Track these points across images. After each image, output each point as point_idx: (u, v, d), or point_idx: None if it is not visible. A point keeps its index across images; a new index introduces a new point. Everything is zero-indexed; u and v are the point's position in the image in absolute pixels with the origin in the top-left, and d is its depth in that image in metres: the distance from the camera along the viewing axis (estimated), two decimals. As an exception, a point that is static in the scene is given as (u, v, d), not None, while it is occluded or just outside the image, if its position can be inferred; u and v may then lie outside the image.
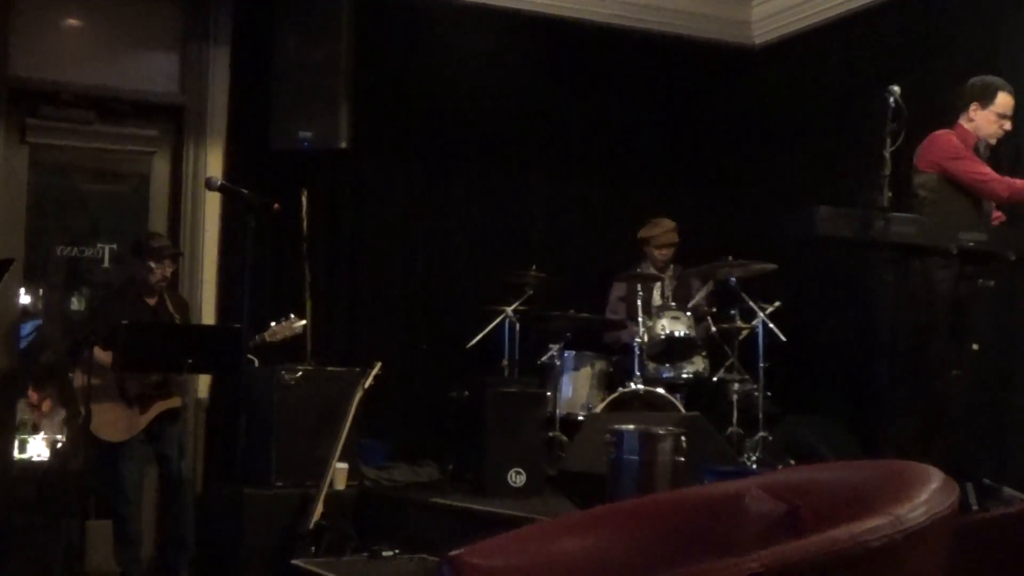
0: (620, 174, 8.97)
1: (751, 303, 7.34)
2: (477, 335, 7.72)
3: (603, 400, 7.45)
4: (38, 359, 8.41)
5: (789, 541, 1.92)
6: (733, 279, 7.40)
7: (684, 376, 7.57)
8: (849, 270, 7.56)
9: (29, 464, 7.87)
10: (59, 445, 8.01)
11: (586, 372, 7.83)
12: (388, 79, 8.36)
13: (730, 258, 7.33)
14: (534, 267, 7.83)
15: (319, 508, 6.50)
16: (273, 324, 6.83)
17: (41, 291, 8.33)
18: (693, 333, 7.49)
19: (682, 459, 5.04)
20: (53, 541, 6.98)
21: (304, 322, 6.98)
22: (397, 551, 5.99)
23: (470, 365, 7.72)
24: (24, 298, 7.99)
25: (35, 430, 8.13)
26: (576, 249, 8.80)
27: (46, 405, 8.30)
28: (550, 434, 7.35)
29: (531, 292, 7.84)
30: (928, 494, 2.24)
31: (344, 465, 6.87)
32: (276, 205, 5.90)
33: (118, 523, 6.76)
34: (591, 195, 8.98)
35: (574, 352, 7.87)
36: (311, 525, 6.42)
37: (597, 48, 8.76)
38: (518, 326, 7.77)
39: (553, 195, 8.93)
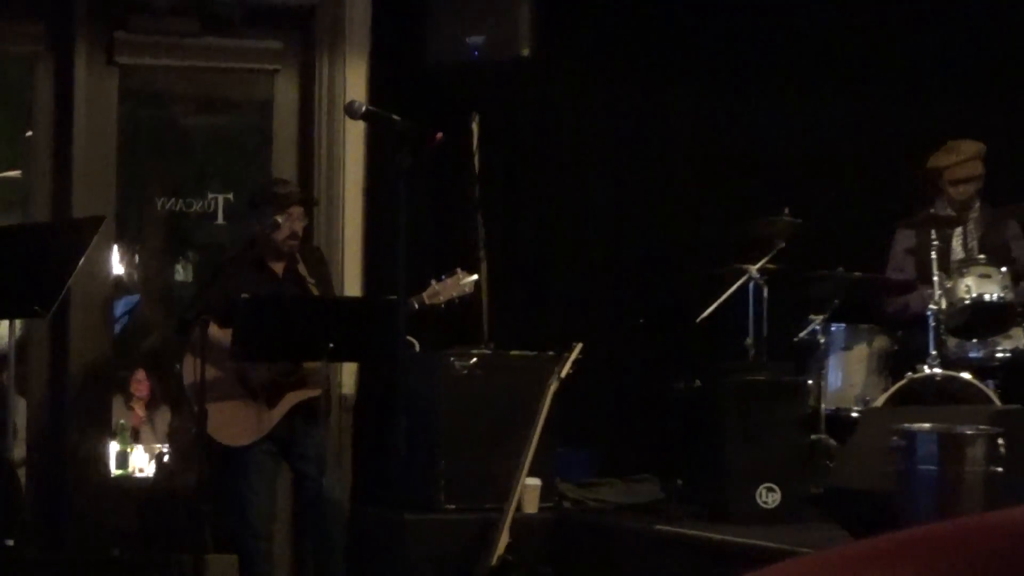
0: (903, 82, 8.76)
1: (1093, 253, 7.16)
2: (710, 305, 7.68)
3: (885, 390, 7.37)
4: (138, 346, 8.69)
5: None
6: (1065, 220, 7.23)
7: (999, 355, 7.42)
8: None
9: (129, 482, 8.12)
10: (166, 457, 8.26)
11: (861, 352, 7.75)
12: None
13: (1060, 191, 7.16)
14: (787, 211, 7.74)
15: (503, 538, 6.56)
16: (434, 282, 6.85)
17: (138, 257, 8.60)
18: (1011, 296, 7.32)
19: (999, 469, 5.03)
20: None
21: (475, 277, 7.01)
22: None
23: (701, 346, 7.69)
24: (117, 267, 8.20)
25: (136, 438, 8.38)
26: (845, 185, 8.64)
27: (147, 405, 8.57)
28: (812, 437, 7.31)
29: (783, 245, 7.77)
30: None
31: (536, 482, 6.93)
32: (438, 135, 5.93)
33: (244, 560, 6.91)
34: (863, 111, 8.78)
35: (844, 325, 7.81)
36: (493, 560, 6.49)
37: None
38: (766, 292, 7.71)
39: (811, 113, 8.77)
